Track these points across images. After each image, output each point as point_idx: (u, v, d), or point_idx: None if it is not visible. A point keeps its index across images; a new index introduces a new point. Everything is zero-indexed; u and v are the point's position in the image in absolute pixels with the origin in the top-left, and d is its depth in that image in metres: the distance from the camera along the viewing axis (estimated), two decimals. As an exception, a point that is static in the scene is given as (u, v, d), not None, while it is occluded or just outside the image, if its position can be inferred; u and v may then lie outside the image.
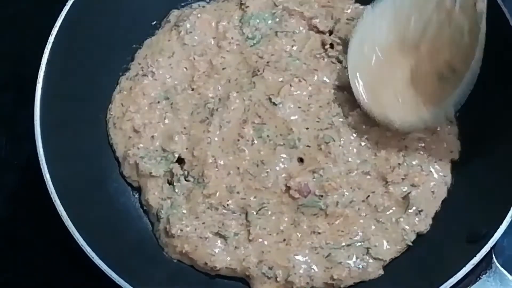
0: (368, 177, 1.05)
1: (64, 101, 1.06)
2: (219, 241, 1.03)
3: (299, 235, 1.03)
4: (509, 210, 0.96)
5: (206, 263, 1.02)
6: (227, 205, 1.03)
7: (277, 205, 1.04)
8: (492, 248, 0.95)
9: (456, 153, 1.07)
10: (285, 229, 1.03)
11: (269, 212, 1.03)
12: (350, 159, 1.05)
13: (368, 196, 1.04)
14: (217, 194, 1.04)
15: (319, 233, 1.03)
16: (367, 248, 1.02)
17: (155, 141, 1.09)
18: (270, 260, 1.01)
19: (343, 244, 1.02)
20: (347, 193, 1.04)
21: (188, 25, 1.14)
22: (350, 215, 1.03)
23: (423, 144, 1.06)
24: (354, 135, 1.06)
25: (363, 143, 1.06)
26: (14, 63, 1.27)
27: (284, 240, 1.03)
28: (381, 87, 1.04)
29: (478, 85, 1.07)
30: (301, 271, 1.00)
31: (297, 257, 1.01)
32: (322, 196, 1.03)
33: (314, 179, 1.03)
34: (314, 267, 1.01)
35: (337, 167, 1.04)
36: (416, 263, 1.02)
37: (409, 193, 1.03)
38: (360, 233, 1.03)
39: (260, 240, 1.03)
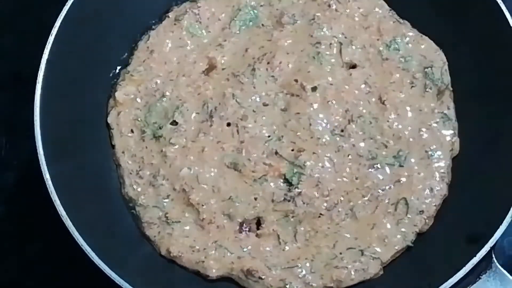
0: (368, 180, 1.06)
1: (64, 101, 1.06)
2: (213, 251, 1.03)
3: (297, 240, 1.03)
4: (509, 210, 0.96)
5: (199, 271, 1.03)
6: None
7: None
8: (492, 248, 0.96)
9: (456, 150, 1.08)
10: (282, 235, 1.03)
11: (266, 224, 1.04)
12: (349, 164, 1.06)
13: (368, 198, 1.04)
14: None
15: (317, 237, 1.03)
16: (367, 249, 1.02)
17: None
18: (263, 269, 1.01)
19: (343, 247, 1.02)
20: (345, 195, 1.04)
21: (188, 18, 1.14)
22: (349, 218, 1.04)
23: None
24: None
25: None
26: (14, 63, 1.27)
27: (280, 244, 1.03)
28: None
29: (479, 83, 1.08)
30: (298, 280, 1.01)
31: (294, 262, 1.02)
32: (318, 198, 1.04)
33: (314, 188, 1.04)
34: (312, 274, 1.01)
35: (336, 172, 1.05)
36: (416, 263, 1.02)
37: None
38: (360, 235, 1.03)
39: (256, 247, 1.03)
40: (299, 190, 1.04)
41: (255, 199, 1.05)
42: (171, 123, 1.09)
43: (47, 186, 0.98)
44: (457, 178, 1.06)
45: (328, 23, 1.13)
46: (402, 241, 1.03)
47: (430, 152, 1.07)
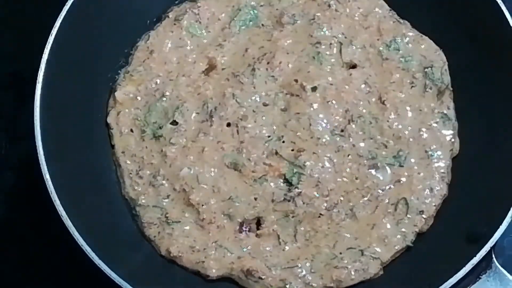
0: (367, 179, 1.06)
1: (64, 101, 1.07)
2: (213, 251, 1.03)
3: (297, 240, 1.03)
4: (509, 210, 0.96)
5: (199, 271, 1.03)
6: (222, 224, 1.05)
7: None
8: (492, 248, 0.96)
9: (456, 150, 1.08)
10: (282, 235, 1.03)
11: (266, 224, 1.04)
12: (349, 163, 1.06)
13: (368, 198, 1.05)
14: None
15: (317, 237, 1.03)
16: (367, 249, 1.02)
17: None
18: (263, 269, 1.01)
19: (343, 247, 1.02)
20: (345, 195, 1.04)
21: (188, 18, 1.14)
22: (349, 218, 1.04)
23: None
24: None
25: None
26: (14, 63, 1.27)
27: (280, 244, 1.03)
28: None
29: (479, 83, 1.08)
30: (298, 280, 1.01)
31: (294, 262, 1.02)
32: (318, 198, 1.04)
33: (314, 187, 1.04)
34: (312, 274, 1.01)
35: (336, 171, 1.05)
36: (416, 263, 1.02)
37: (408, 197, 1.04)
38: (360, 235, 1.03)
39: (256, 247, 1.03)
40: (299, 190, 1.04)
41: (255, 199, 1.05)
42: (171, 123, 1.09)
43: (47, 186, 0.98)
44: (457, 178, 1.06)
45: (328, 23, 1.13)
46: (402, 241, 1.03)
47: (430, 152, 1.07)
